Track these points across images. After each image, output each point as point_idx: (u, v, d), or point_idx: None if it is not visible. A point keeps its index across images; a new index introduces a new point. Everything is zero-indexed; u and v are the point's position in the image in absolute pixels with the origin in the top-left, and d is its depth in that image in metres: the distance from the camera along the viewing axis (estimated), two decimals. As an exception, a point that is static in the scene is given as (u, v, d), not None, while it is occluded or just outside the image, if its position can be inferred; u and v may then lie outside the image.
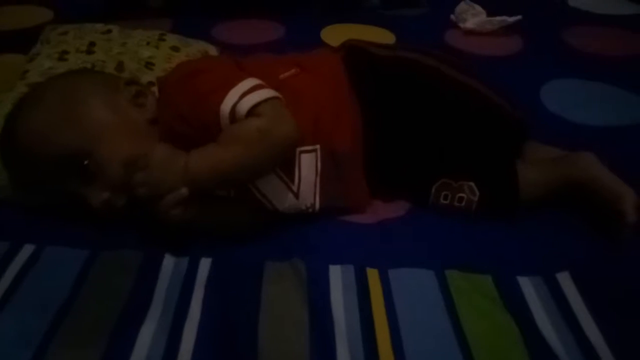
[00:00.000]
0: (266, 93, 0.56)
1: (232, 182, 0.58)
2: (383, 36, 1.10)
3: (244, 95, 0.54)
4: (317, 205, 0.61)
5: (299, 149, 0.60)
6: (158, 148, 0.55)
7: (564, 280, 0.55)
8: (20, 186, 0.61)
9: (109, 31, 0.91)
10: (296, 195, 0.60)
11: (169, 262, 0.56)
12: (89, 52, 0.84)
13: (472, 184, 0.62)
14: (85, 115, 0.57)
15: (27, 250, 0.56)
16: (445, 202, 0.63)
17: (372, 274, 0.55)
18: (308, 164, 0.60)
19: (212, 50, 0.98)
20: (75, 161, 0.55)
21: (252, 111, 0.54)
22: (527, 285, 0.54)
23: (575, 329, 0.50)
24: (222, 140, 0.54)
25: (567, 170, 0.64)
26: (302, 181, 0.60)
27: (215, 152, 0.54)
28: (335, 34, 1.10)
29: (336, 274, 0.55)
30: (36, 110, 0.57)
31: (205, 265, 0.56)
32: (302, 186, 0.60)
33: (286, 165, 0.59)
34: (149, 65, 0.84)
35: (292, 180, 0.60)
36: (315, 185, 0.61)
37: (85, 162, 0.55)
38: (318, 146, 0.61)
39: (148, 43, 0.90)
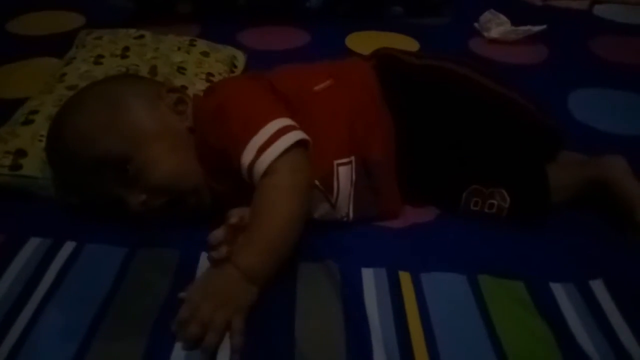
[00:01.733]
0: (285, 141, 0.54)
1: (284, 249, 0.54)
2: (407, 44, 1.11)
3: (263, 149, 0.54)
4: (352, 215, 0.62)
5: (336, 162, 0.61)
6: (202, 278, 0.52)
7: (597, 287, 0.55)
8: (63, 186, 0.63)
9: (142, 36, 0.94)
10: (333, 206, 0.61)
11: (205, 261, 0.57)
12: (123, 56, 0.87)
13: (503, 190, 0.62)
14: (127, 120, 0.58)
15: (69, 247, 0.58)
16: (475, 208, 0.63)
17: (405, 277, 0.56)
18: (345, 175, 0.61)
19: (240, 56, 1.00)
20: (117, 164, 0.57)
21: (268, 170, 0.54)
22: (560, 292, 0.54)
23: (611, 337, 0.50)
24: (252, 219, 0.53)
25: (594, 170, 0.65)
26: (340, 192, 0.61)
27: (253, 237, 0.52)
28: (360, 41, 1.11)
29: (369, 276, 0.56)
30: (81, 115, 0.59)
31: (240, 264, 0.57)
32: (340, 197, 0.61)
33: (325, 178, 0.60)
34: (180, 69, 0.86)
35: (331, 193, 0.61)
36: (349, 196, 0.62)
37: (127, 167, 0.57)
38: (353, 157, 0.61)
39: (179, 48, 0.92)
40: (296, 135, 0.55)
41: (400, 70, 0.68)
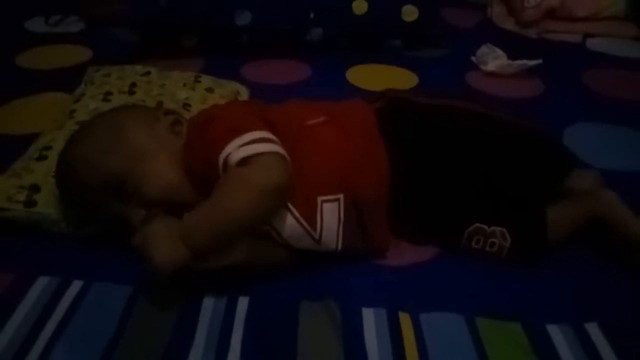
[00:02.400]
0: (266, 147, 0.56)
1: (228, 231, 0.56)
2: (405, 77, 1.14)
3: (242, 146, 0.56)
4: (339, 249, 0.63)
5: (320, 198, 0.61)
6: (151, 224, 0.56)
7: (593, 330, 0.56)
8: (72, 212, 0.66)
9: (148, 73, 0.96)
10: (318, 242, 0.62)
11: (208, 301, 0.58)
12: (131, 92, 0.89)
13: (504, 230, 0.63)
14: (125, 141, 0.62)
15: (76, 286, 0.60)
16: (477, 246, 0.64)
17: (405, 318, 0.57)
18: (330, 212, 0.61)
19: (243, 91, 1.02)
20: (117, 183, 0.60)
21: (243, 162, 0.56)
22: (557, 334, 0.56)
23: (606, 380, 0.52)
24: (212, 192, 0.56)
25: (590, 206, 0.67)
26: (324, 229, 0.61)
27: (204, 205, 0.56)
28: (360, 75, 1.14)
29: (369, 317, 0.57)
30: (83, 141, 0.63)
31: (243, 304, 0.58)
32: (324, 233, 0.61)
33: (308, 214, 0.60)
34: (186, 106, 0.89)
35: (315, 229, 0.61)
36: (337, 233, 0.63)
37: (126, 184, 0.59)
38: (341, 195, 0.62)
39: (185, 85, 0.95)
40: (278, 149, 0.57)
41: (411, 110, 0.70)
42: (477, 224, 0.64)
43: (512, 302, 0.59)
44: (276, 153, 0.57)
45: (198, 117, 0.68)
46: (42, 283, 0.60)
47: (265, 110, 0.67)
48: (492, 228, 0.64)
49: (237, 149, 0.56)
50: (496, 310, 0.58)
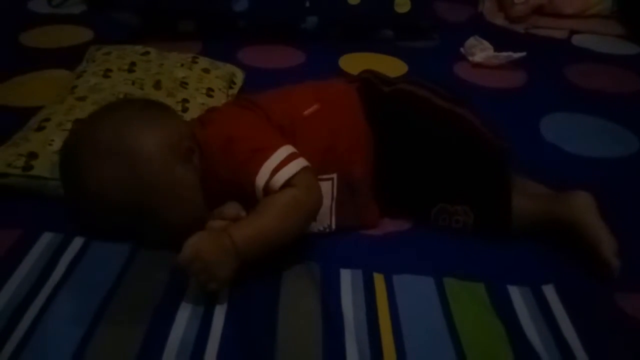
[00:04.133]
0: (295, 166, 0.60)
1: (275, 247, 0.60)
2: (396, 66, 1.18)
3: (277, 170, 0.59)
4: (334, 226, 0.68)
5: (317, 177, 0.65)
6: (195, 237, 0.56)
7: (549, 291, 0.62)
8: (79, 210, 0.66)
9: (147, 53, 1.01)
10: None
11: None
12: (130, 70, 0.94)
13: (466, 207, 0.68)
14: (140, 177, 0.60)
15: (78, 242, 0.64)
16: (443, 223, 0.69)
17: (379, 278, 0.62)
18: (325, 191, 0.66)
19: (239, 73, 1.07)
20: (132, 213, 0.60)
21: (286, 183, 0.59)
22: (516, 294, 0.61)
23: (558, 336, 0.57)
24: (261, 210, 0.59)
25: (558, 207, 0.68)
26: None
27: (256, 222, 0.59)
28: (352, 63, 1.18)
29: (347, 276, 0.62)
30: (98, 168, 0.60)
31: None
32: (320, 210, 0.65)
33: None
34: (183, 84, 0.93)
35: None
36: (331, 209, 0.68)
37: (141, 216, 0.61)
38: (335, 175, 0.67)
39: (182, 65, 0.99)
40: (303, 162, 0.62)
41: (377, 96, 0.74)
42: (441, 204, 0.68)
43: (478, 266, 0.65)
44: (306, 168, 0.61)
45: (211, 134, 0.65)
46: (46, 238, 0.65)
47: (265, 108, 0.69)
48: (455, 207, 0.68)
49: (273, 174, 0.59)
50: (463, 273, 0.63)
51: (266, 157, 0.61)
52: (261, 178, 0.60)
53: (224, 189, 0.63)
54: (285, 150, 0.62)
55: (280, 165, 0.60)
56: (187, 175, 0.63)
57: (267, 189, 0.60)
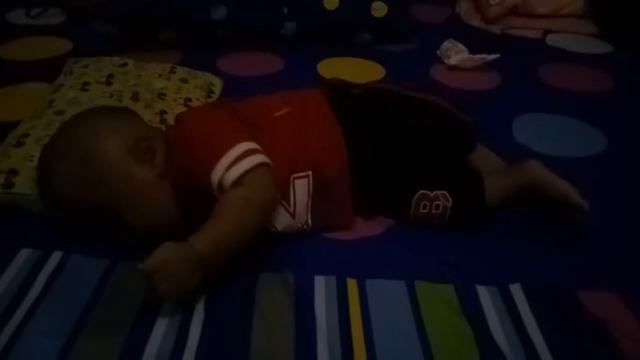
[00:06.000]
0: (252, 161, 0.62)
1: (236, 248, 0.61)
2: (374, 69, 1.20)
3: (231, 166, 0.61)
4: (310, 223, 0.71)
5: (292, 176, 0.69)
6: (163, 247, 0.56)
7: (516, 290, 0.64)
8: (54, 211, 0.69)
9: (125, 64, 1.02)
10: (292, 215, 0.69)
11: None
12: (108, 83, 0.95)
13: (445, 192, 0.72)
14: (102, 179, 0.63)
15: (56, 257, 0.66)
16: (424, 211, 0.72)
17: (352, 284, 0.64)
18: (301, 188, 0.69)
19: (217, 82, 1.08)
20: (99, 212, 0.63)
21: (237, 181, 0.61)
22: (484, 294, 0.63)
23: (523, 335, 0.59)
24: (216, 214, 0.60)
25: (519, 176, 0.75)
26: (297, 203, 0.69)
27: (214, 226, 0.60)
28: (330, 68, 1.20)
29: (320, 283, 0.64)
30: (65, 174, 0.63)
31: (207, 273, 0.65)
32: (297, 207, 0.69)
33: (283, 191, 0.68)
34: (161, 95, 0.94)
35: (289, 203, 0.69)
36: (307, 206, 0.70)
37: (106, 216, 0.63)
38: (310, 172, 0.70)
39: (160, 75, 1.00)
40: (260, 158, 0.64)
41: (347, 97, 0.77)
42: (421, 191, 0.71)
43: (448, 268, 0.67)
44: (262, 164, 0.63)
45: (174, 130, 0.69)
46: (24, 254, 0.66)
47: (236, 108, 0.72)
48: (435, 192, 0.71)
49: (227, 171, 0.61)
50: (433, 275, 0.65)
51: (222, 154, 0.62)
52: (216, 175, 0.61)
53: (192, 187, 0.64)
54: (243, 147, 0.63)
55: (234, 162, 0.61)
56: (146, 175, 0.65)
57: (221, 186, 0.62)
